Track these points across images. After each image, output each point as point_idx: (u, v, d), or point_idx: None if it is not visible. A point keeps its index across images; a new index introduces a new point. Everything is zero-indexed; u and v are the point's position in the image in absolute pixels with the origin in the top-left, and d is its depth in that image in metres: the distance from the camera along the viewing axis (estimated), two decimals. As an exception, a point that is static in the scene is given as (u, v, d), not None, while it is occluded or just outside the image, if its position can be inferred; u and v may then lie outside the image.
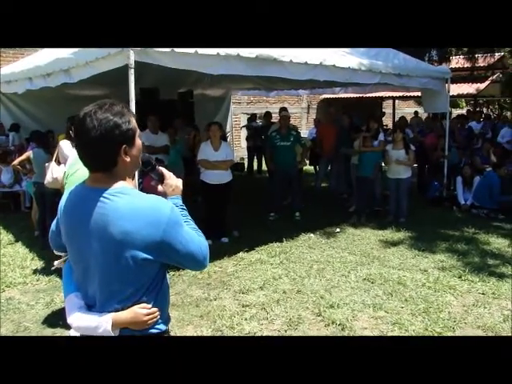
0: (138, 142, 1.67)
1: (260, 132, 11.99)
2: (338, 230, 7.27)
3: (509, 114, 21.14)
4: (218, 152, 6.61)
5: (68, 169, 3.28)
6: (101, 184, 1.62)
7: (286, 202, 8.47)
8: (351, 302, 4.58)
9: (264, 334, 3.94)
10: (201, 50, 4.64)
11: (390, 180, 7.97)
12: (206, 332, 3.99)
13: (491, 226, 7.47)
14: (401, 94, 15.80)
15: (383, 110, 19.46)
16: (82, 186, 1.70)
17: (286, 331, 4.00)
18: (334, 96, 16.09)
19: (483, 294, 4.79)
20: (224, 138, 7.49)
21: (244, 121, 15.69)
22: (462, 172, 8.95)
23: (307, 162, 10.42)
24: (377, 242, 6.64)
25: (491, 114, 21.06)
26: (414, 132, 11.83)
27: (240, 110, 16.47)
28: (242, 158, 14.72)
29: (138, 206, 1.59)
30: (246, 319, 4.22)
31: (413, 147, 8.21)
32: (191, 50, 4.61)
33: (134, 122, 1.64)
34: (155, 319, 1.70)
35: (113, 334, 1.65)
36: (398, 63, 7.69)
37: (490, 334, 3.91)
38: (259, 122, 13.22)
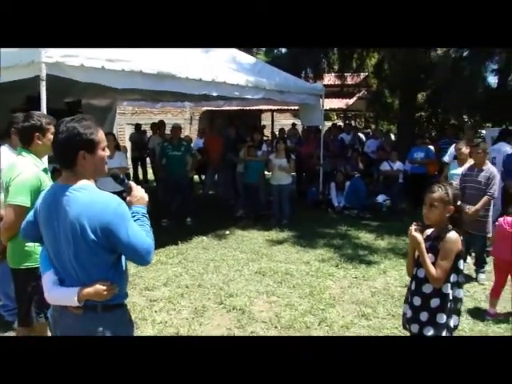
0: (101, 153, 2.12)
1: (144, 142, 12.32)
2: (227, 232, 7.86)
3: (373, 126, 23.49)
4: (112, 160, 6.88)
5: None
6: (68, 181, 2.08)
7: (173, 208, 8.86)
8: (247, 291, 5.19)
9: (174, 323, 4.39)
10: (108, 66, 4.99)
11: (273, 186, 8.75)
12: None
13: (361, 223, 8.58)
14: (279, 107, 16.95)
15: (262, 122, 20.63)
16: (55, 184, 2.14)
17: (193, 319, 4.49)
18: (216, 108, 16.79)
19: (356, 277, 5.69)
20: (118, 147, 7.74)
21: (128, 131, 15.75)
22: (335, 178, 10.06)
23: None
24: (264, 242, 7.34)
25: (358, 126, 23.24)
26: (292, 142, 12.89)
27: (125, 121, 16.51)
28: (126, 168, 14.78)
29: (92, 199, 2.04)
30: (155, 311, 4.64)
31: (293, 156, 9.12)
32: (99, 65, 4.94)
33: (98, 136, 2.09)
34: (113, 293, 2.13)
35: (78, 304, 2.06)
36: (279, 80, 8.55)
37: (362, 307, 4.75)
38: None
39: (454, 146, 7.05)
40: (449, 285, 2.67)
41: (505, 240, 4.68)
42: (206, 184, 11.00)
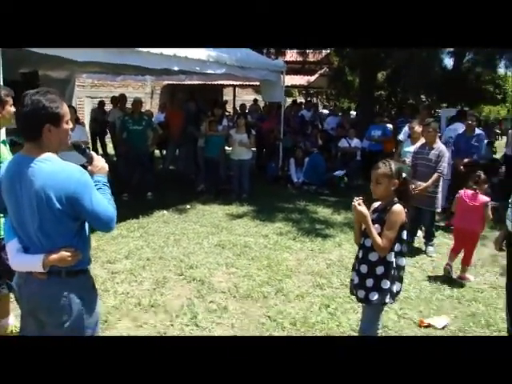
0: (65, 126, 2.19)
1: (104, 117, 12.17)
2: (188, 206, 7.95)
3: (335, 103, 23.80)
4: (72, 133, 6.82)
5: None
6: (32, 153, 2.14)
7: (134, 182, 8.86)
8: (207, 263, 5.34)
9: (135, 294, 4.50)
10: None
11: (234, 161, 8.87)
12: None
13: (319, 199, 8.83)
14: (241, 82, 16.94)
15: (224, 97, 20.58)
16: (18, 155, 2.19)
17: (154, 289, 4.61)
18: (177, 82, 16.63)
19: (312, 250, 5.91)
20: (77, 120, 7.66)
21: (88, 104, 15.49)
22: (295, 154, 10.25)
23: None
24: (224, 216, 7.47)
25: (319, 103, 23.51)
26: (253, 118, 12.96)
27: (84, 94, 16.21)
28: (86, 142, 14.57)
29: (56, 169, 2.13)
30: (117, 283, 4.74)
31: (253, 131, 9.23)
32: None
33: (63, 109, 2.16)
34: (77, 259, 2.23)
35: (43, 270, 2.15)
36: (241, 56, 8.58)
37: (317, 278, 4.98)
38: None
39: (407, 124, 7.33)
40: (393, 253, 2.88)
41: (465, 212, 5.12)
42: (167, 158, 11.00)
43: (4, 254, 3.21)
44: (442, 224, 7.07)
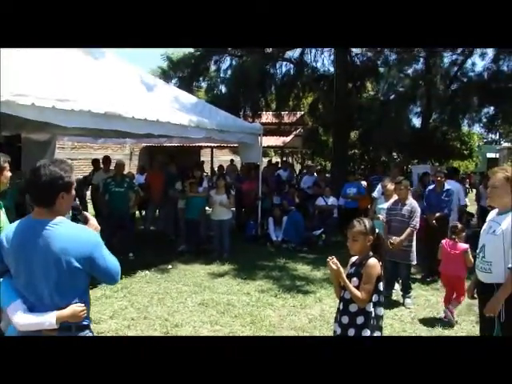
0: (73, 192, 2.41)
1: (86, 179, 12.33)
2: (170, 266, 8.05)
3: (309, 162, 24.45)
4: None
5: None
6: (44, 217, 2.32)
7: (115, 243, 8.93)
8: (192, 321, 5.42)
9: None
10: (58, 105, 5.22)
11: (214, 221, 9.05)
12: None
13: (298, 256, 9.02)
14: (218, 144, 17.42)
15: (201, 158, 21.01)
16: (28, 219, 2.36)
17: (140, 349, 4.66)
18: (155, 144, 17.00)
19: (294, 306, 6.05)
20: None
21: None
22: (273, 213, 10.50)
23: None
24: (206, 275, 7.59)
25: (295, 162, 24.14)
26: (231, 178, 13.28)
27: (64, 155, 16.37)
28: (78, 205, 14.62)
29: (73, 232, 2.33)
30: (102, 343, 4.77)
31: (232, 192, 9.49)
32: (50, 105, 5.16)
33: (73, 178, 2.38)
34: (85, 314, 2.39)
35: (56, 327, 2.29)
36: (220, 120, 8.99)
37: (301, 333, 5.10)
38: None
39: (381, 183, 7.70)
40: (371, 304, 3.08)
41: (448, 259, 5.62)
42: (148, 219, 11.14)
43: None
44: (418, 276, 7.31)
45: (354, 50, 14.53)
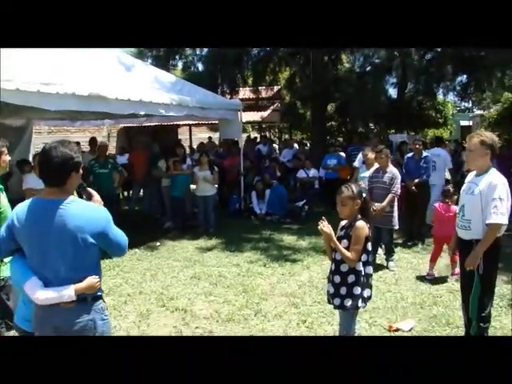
0: (81, 171, 2.53)
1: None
2: (158, 243, 8.20)
3: (287, 136, 24.61)
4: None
5: None
6: (56, 196, 2.44)
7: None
8: (186, 293, 5.61)
9: (123, 327, 4.73)
10: (42, 89, 5.26)
11: (199, 197, 9.19)
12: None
13: (282, 227, 9.25)
14: (196, 121, 17.44)
15: (179, 136, 20.98)
16: (39, 199, 2.48)
17: (140, 321, 4.84)
18: (132, 125, 16.93)
19: (283, 274, 6.28)
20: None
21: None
22: (255, 187, 10.68)
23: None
24: (194, 250, 7.76)
25: (274, 137, 24.30)
26: (211, 155, 13.37)
27: (40, 140, 16.16)
28: None
29: (86, 210, 2.47)
30: (102, 318, 4.94)
31: (216, 168, 9.62)
32: (34, 89, 5.20)
33: (80, 158, 2.50)
34: (99, 286, 2.55)
35: (74, 299, 2.44)
36: (200, 97, 9.04)
37: (291, 298, 5.33)
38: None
39: (361, 152, 7.92)
40: (361, 263, 3.31)
41: (442, 222, 5.95)
42: (132, 199, 11.23)
43: (3, 294, 3.45)
44: (399, 241, 7.62)
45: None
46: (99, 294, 2.59)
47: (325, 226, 3.33)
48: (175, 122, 16.32)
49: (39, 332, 2.59)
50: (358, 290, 3.30)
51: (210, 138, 18.75)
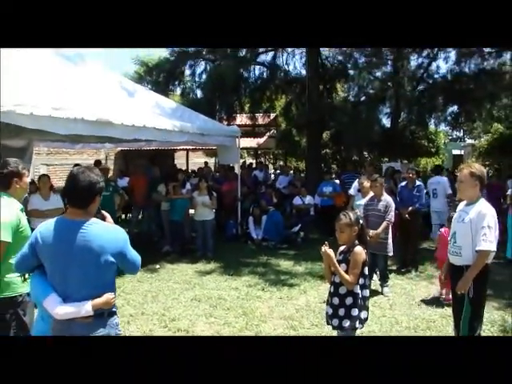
0: (100, 196, 2.75)
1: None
2: (158, 266, 8.36)
3: (281, 163, 24.97)
4: (47, 201, 7.22)
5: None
6: (79, 217, 2.65)
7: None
8: (187, 315, 5.78)
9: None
10: (54, 114, 5.51)
11: (197, 222, 9.40)
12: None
13: (279, 253, 9.45)
14: (193, 146, 17.73)
15: (176, 160, 21.27)
16: (63, 219, 2.68)
17: (142, 341, 5.00)
18: (130, 148, 17.18)
19: (281, 298, 6.46)
20: (52, 188, 8.05)
21: (43, 171, 15.71)
22: (252, 212, 10.91)
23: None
24: (194, 273, 7.94)
25: (268, 163, 24.64)
26: (208, 180, 13.61)
27: (40, 161, 16.43)
28: (63, 209, 14.73)
29: (107, 231, 2.68)
30: (106, 337, 5.09)
31: (214, 193, 9.86)
32: (46, 113, 5.45)
33: (103, 183, 2.72)
34: (115, 302, 2.74)
35: (92, 314, 2.63)
36: (200, 124, 9.34)
37: (289, 321, 5.51)
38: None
39: (357, 180, 8.20)
40: (358, 286, 3.52)
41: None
42: (132, 222, 11.40)
43: (20, 310, 3.62)
44: (393, 268, 7.83)
45: (325, 53, 15.10)
46: (114, 309, 2.78)
47: (327, 249, 3.54)
48: (172, 147, 16.62)
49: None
50: (355, 312, 3.51)
51: (206, 163, 19.05)
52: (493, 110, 14.75)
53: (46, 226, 2.73)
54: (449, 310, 5.49)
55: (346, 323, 3.51)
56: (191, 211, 9.74)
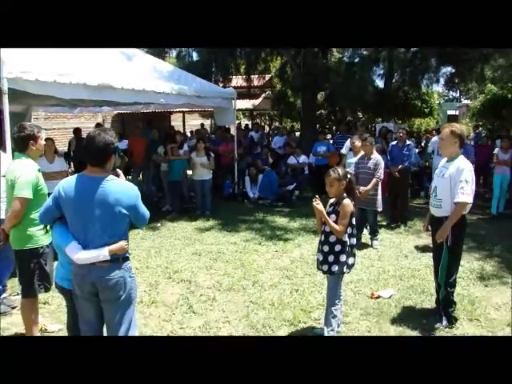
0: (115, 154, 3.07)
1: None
2: (159, 224, 8.73)
3: (277, 124, 25.15)
4: (52, 164, 7.53)
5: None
6: (98, 174, 2.98)
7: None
8: (189, 267, 6.19)
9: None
10: (58, 79, 5.75)
11: (196, 181, 9.74)
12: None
13: (274, 210, 9.84)
14: (189, 108, 17.89)
15: (172, 123, 21.44)
16: (83, 176, 3.01)
17: (150, 290, 5.40)
18: (126, 111, 17.31)
19: (276, 251, 6.88)
20: (56, 152, 8.33)
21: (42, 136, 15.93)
22: (249, 172, 11.25)
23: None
24: (193, 230, 8.32)
25: (263, 124, 24.82)
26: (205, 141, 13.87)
27: (38, 126, 16.61)
28: (68, 172, 15.11)
29: (122, 186, 3.02)
30: (115, 287, 5.50)
31: (212, 154, 10.16)
32: (51, 79, 5.68)
33: (117, 143, 3.03)
34: (128, 248, 3.10)
35: (108, 258, 2.98)
36: (196, 86, 9.54)
37: (285, 271, 5.93)
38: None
39: (349, 140, 8.51)
40: (346, 235, 3.89)
41: None
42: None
43: (42, 260, 3.99)
44: (383, 223, 8.24)
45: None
46: (127, 255, 3.14)
47: (317, 202, 3.90)
48: (169, 109, 16.80)
49: (79, 288, 3.11)
50: (343, 258, 3.89)
51: (202, 124, 19.25)
52: (485, 71, 14.90)
53: (68, 182, 3.07)
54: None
55: (335, 268, 3.90)
56: (189, 172, 10.06)
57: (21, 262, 3.95)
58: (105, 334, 3.24)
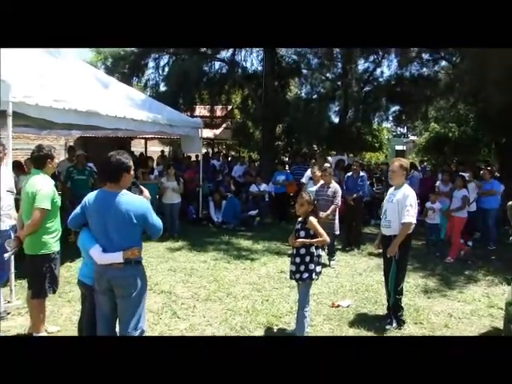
0: (132, 172, 3.71)
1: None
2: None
3: (233, 153, 26.00)
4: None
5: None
6: (113, 189, 3.61)
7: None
8: (167, 281, 6.78)
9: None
10: (54, 105, 6.32)
11: (166, 204, 10.33)
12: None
13: (238, 234, 10.55)
14: (150, 136, 18.40)
15: (132, 148, 21.82)
16: (103, 190, 3.64)
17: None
18: (88, 135, 17.58)
19: (244, 269, 7.58)
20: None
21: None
22: (213, 198, 11.95)
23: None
24: (165, 249, 8.87)
25: (222, 152, 25.59)
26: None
27: (1, 147, 16.73)
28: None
29: (132, 199, 3.64)
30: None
31: (181, 179, 10.81)
32: (48, 104, 6.23)
33: (131, 163, 3.68)
34: (140, 254, 3.73)
35: (122, 261, 3.60)
36: (167, 115, 10.23)
37: (254, 285, 6.63)
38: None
39: (309, 170, 9.41)
40: (314, 247, 4.65)
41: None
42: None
43: (53, 265, 4.55)
44: (339, 246, 9.11)
45: (281, 52, 16.25)
46: (139, 259, 3.75)
47: (295, 242, 4.66)
48: (130, 136, 17.28)
49: (97, 284, 3.70)
50: (312, 266, 4.65)
51: (162, 151, 19.80)
52: (429, 111, 16.39)
53: (92, 195, 3.69)
54: (383, 278, 6.77)
55: (305, 275, 4.64)
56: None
57: (34, 266, 4.49)
58: (117, 328, 3.81)
